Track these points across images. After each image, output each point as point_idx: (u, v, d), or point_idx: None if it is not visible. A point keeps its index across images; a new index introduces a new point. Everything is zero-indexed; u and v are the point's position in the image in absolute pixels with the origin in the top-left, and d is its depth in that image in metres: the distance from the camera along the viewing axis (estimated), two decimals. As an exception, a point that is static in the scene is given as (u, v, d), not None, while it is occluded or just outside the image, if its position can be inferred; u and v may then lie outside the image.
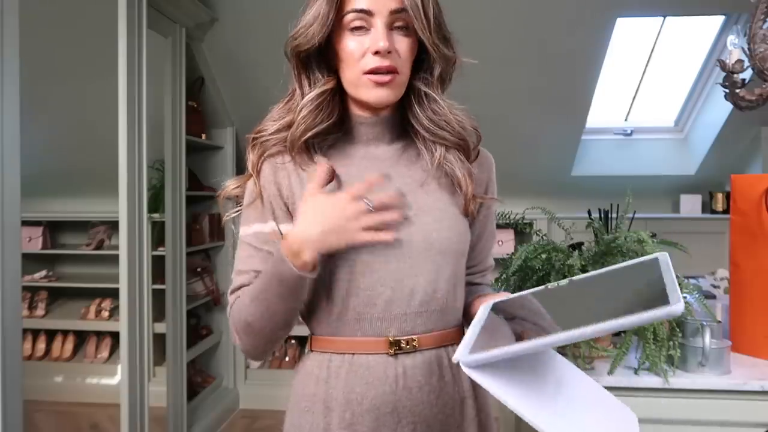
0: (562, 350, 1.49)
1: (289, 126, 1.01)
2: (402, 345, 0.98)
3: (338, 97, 1.03)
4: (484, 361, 0.75)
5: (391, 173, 1.03)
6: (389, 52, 0.96)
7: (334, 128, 1.03)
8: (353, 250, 0.96)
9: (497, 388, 0.76)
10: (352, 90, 1.00)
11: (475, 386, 1.05)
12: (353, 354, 0.99)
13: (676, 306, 0.67)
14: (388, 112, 1.05)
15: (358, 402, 0.98)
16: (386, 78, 0.97)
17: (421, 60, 1.03)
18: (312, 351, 1.04)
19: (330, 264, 0.97)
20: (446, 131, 1.02)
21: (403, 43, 0.98)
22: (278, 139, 1.02)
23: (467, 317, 1.08)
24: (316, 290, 1.00)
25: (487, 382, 0.76)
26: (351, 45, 0.97)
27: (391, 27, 0.97)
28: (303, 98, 1.01)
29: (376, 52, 0.95)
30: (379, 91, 0.98)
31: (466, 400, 1.03)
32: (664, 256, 0.82)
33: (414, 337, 0.99)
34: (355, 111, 1.04)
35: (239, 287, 1.02)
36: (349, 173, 1.02)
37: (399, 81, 0.99)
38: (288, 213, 1.02)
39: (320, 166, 0.96)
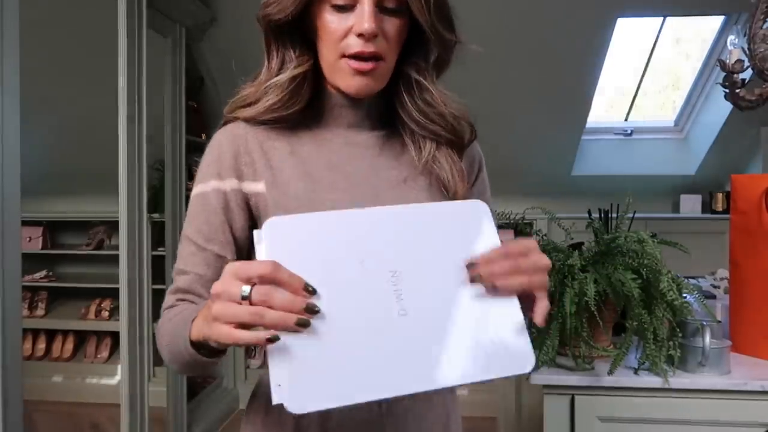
0: (563, 351, 1.49)
1: (251, 104, 0.89)
2: None
3: (314, 76, 0.88)
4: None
5: (374, 165, 0.90)
6: (375, 36, 0.81)
7: (303, 111, 0.89)
8: None
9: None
10: (329, 74, 0.87)
11: (456, 406, 0.97)
12: None
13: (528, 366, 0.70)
14: (372, 97, 0.89)
15: None
16: (368, 65, 0.82)
17: (413, 42, 0.88)
18: None
19: None
20: (439, 125, 0.89)
21: (391, 25, 0.83)
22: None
23: None
24: None
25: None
26: (331, 22, 0.83)
27: (379, 5, 0.82)
28: (270, 76, 0.88)
29: (360, 35, 0.81)
30: (358, 80, 0.83)
31: (450, 424, 0.94)
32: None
33: None
34: (334, 92, 0.90)
35: (176, 291, 0.86)
36: (332, 162, 0.88)
37: (383, 70, 0.85)
38: (242, 174, 0.87)
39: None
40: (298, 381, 0.63)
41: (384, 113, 0.91)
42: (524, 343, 0.70)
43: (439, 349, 0.67)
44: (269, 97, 0.87)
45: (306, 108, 0.89)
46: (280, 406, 0.62)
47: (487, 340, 0.69)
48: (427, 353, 0.67)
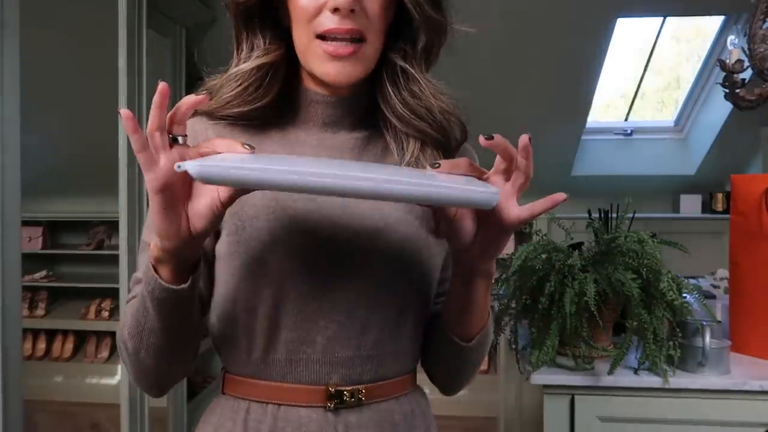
0: (563, 351, 1.49)
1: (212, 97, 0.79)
2: (345, 397, 0.75)
3: (284, 69, 0.79)
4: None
5: None
6: (352, 11, 0.71)
7: (270, 108, 0.79)
8: (288, 260, 0.73)
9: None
10: (304, 60, 0.76)
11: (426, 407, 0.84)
12: (279, 405, 0.75)
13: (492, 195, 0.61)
14: (353, 90, 0.79)
15: None
16: (347, 49, 0.72)
17: (399, 26, 0.78)
18: (224, 394, 0.80)
19: (251, 280, 0.74)
20: (425, 122, 0.78)
21: (373, 1, 0.73)
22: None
23: (428, 358, 0.85)
24: (230, 313, 0.76)
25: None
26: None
27: None
28: (237, 66, 0.79)
29: (335, 10, 0.71)
30: (335, 65, 0.73)
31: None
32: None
33: (360, 387, 0.76)
34: (310, 85, 0.79)
35: (131, 299, 0.78)
36: None
37: (365, 53, 0.74)
38: None
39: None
40: (214, 158, 0.60)
41: (367, 111, 0.81)
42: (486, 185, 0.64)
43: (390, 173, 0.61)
44: (226, 89, 0.78)
45: (279, 105, 0.80)
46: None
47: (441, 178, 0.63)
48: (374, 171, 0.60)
